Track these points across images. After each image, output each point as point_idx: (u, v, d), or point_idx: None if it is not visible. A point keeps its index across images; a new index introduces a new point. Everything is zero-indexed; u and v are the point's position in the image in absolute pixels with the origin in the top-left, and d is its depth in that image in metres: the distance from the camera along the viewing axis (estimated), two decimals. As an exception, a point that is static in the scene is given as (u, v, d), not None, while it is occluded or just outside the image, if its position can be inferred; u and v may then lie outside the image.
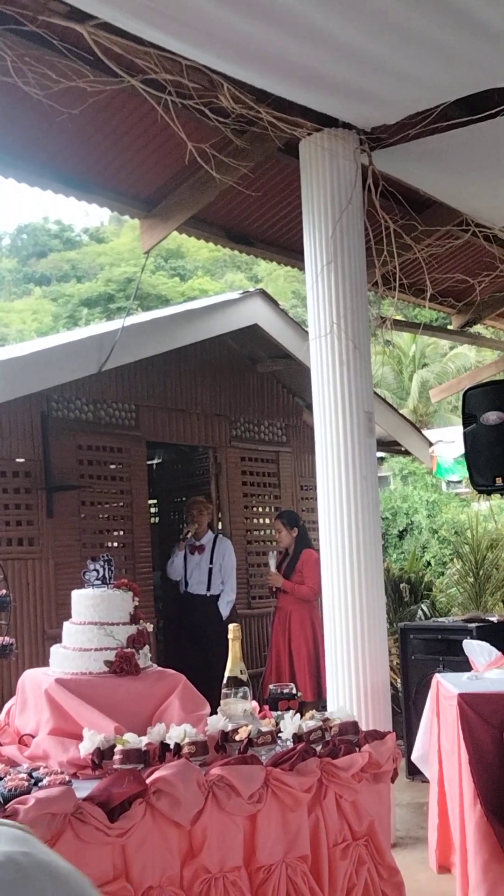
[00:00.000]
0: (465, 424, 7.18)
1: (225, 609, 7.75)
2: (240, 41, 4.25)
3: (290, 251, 7.49)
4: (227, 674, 3.51)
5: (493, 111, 4.95)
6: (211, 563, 7.80)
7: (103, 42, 4.35)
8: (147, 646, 3.63)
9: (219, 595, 7.78)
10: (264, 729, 3.29)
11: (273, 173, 6.35)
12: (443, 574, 11.91)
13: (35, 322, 35.28)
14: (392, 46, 4.36)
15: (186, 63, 4.57)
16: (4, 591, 4.39)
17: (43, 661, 3.80)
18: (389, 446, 10.00)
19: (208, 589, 7.77)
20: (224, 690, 3.50)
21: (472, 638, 5.59)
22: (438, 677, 4.85)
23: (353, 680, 5.11)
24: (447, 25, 4.18)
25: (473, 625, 6.36)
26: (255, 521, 8.98)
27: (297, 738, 3.31)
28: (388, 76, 4.67)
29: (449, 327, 10.27)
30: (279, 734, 3.36)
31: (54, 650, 3.60)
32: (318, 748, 3.31)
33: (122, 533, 7.55)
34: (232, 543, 8.13)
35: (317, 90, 4.84)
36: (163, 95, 4.73)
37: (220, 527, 8.51)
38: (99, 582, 3.63)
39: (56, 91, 4.61)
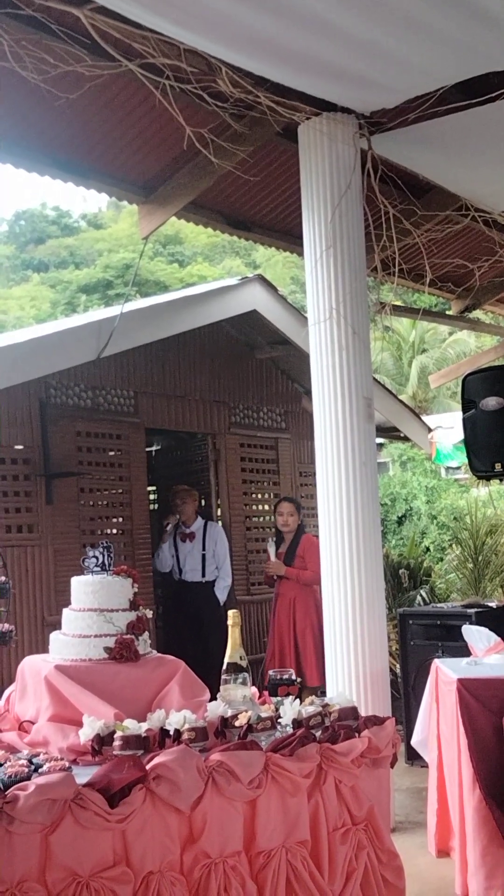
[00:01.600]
0: (464, 410, 7.17)
1: (221, 594, 7.76)
2: (237, 27, 4.22)
3: (288, 236, 7.47)
4: (226, 660, 3.52)
5: (493, 95, 4.93)
6: (203, 549, 7.80)
7: (100, 26, 4.32)
8: (146, 632, 3.64)
9: (214, 581, 7.79)
10: (264, 714, 3.30)
11: (272, 158, 6.33)
12: (442, 560, 11.93)
13: (33, 309, 35.22)
14: (390, 31, 4.33)
15: (185, 47, 4.54)
16: (4, 578, 4.39)
17: (42, 647, 3.80)
18: (388, 432, 9.99)
19: (203, 575, 7.77)
20: (224, 676, 3.50)
21: (471, 623, 5.60)
22: (437, 663, 4.86)
23: (352, 665, 5.11)
24: (446, 10, 4.15)
25: (472, 610, 6.37)
26: (254, 507, 8.98)
27: (297, 723, 3.32)
28: (386, 61, 4.64)
29: (448, 312, 10.26)
30: (279, 720, 3.36)
31: (54, 637, 3.60)
32: (318, 734, 3.31)
33: (121, 520, 7.55)
34: (231, 530, 8.13)
35: (315, 76, 4.81)
36: (161, 80, 4.70)
37: (219, 513, 8.50)
38: (98, 569, 3.64)
39: (54, 75, 4.59)
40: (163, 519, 8.14)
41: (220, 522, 8.39)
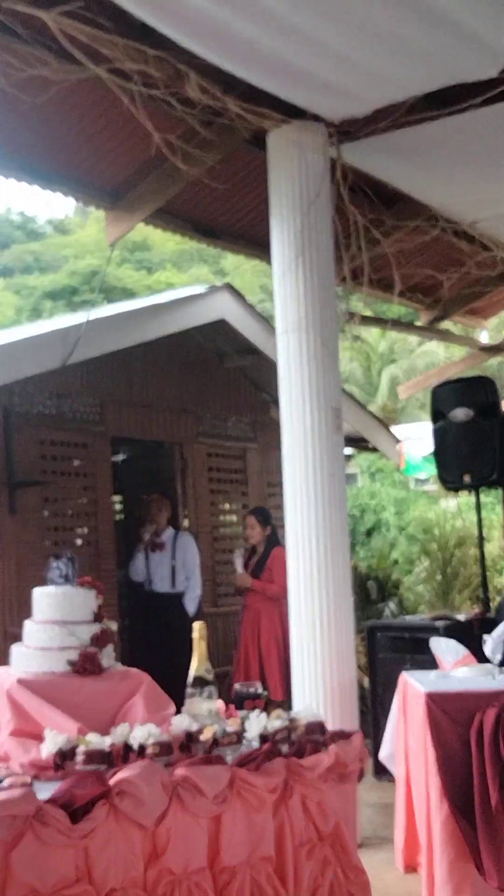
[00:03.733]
0: (433, 421, 7.20)
1: (191, 606, 7.69)
2: (214, 26, 4.19)
3: (257, 245, 7.44)
4: (192, 673, 3.48)
5: (462, 106, 4.95)
6: (173, 559, 7.74)
7: (68, 30, 4.28)
8: (111, 645, 3.58)
9: (184, 592, 7.72)
10: (229, 729, 3.27)
11: (240, 166, 6.30)
12: (410, 572, 11.95)
13: (-4, 315, 34.94)
14: (361, 41, 4.35)
15: (152, 53, 4.51)
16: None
17: (4, 660, 3.73)
18: (357, 443, 10.00)
19: (173, 586, 7.71)
20: (189, 690, 3.46)
21: (439, 636, 5.58)
22: (406, 676, 4.83)
23: (319, 679, 5.08)
24: (415, 21, 4.18)
25: (441, 623, 6.35)
26: (221, 517, 8.94)
27: (263, 737, 3.29)
28: (356, 70, 4.65)
29: (417, 323, 10.28)
30: (245, 734, 3.33)
31: (15, 649, 3.54)
32: (284, 748, 3.29)
33: (86, 530, 7.48)
34: (198, 540, 8.07)
35: (287, 80, 4.80)
36: (128, 85, 4.67)
37: (186, 524, 8.45)
38: (62, 580, 3.59)
39: (20, 79, 4.54)
40: (131, 529, 8.07)
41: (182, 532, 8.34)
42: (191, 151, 5.27)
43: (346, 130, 5.37)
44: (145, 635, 7.80)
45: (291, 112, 5.19)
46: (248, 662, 7.23)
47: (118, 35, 4.38)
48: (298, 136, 5.23)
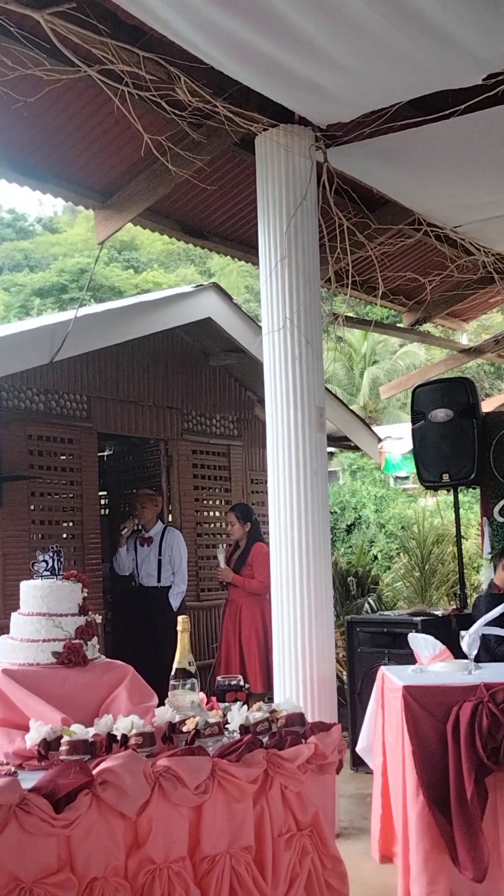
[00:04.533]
0: (413, 421, 7.29)
1: (175, 600, 7.75)
2: (209, 22, 4.21)
3: (244, 246, 7.51)
4: (175, 665, 3.53)
5: (447, 112, 5.00)
6: (160, 554, 7.80)
7: (60, 31, 4.32)
8: (95, 637, 3.63)
9: (169, 587, 7.78)
10: (211, 720, 3.31)
11: (229, 168, 6.36)
12: (389, 568, 12.05)
13: (-14, 311, 34.81)
14: (350, 45, 4.38)
15: (143, 55, 4.55)
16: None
17: (-10, 651, 3.78)
18: (339, 441, 10.07)
19: (158, 580, 7.77)
20: (172, 682, 3.51)
21: (417, 631, 5.66)
22: (384, 670, 4.90)
23: (299, 672, 5.15)
24: (403, 27, 4.20)
25: (419, 618, 6.44)
26: (205, 513, 9.00)
27: (244, 729, 3.34)
28: (344, 74, 4.69)
29: (399, 325, 10.37)
30: (226, 725, 3.38)
31: (1, 641, 3.59)
32: (265, 739, 3.33)
33: (71, 524, 7.52)
34: (182, 535, 8.13)
35: (276, 81, 4.83)
36: (119, 86, 4.71)
37: (170, 519, 8.50)
38: (48, 573, 3.63)
39: (11, 78, 4.58)
40: (119, 524, 8.12)
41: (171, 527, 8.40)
42: (180, 153, 5.32)
43: (333, 135, 5.42)
44: (129, 628, 7.86)
45: (279, 116, 5.25)
46: (229, 656, 7.30)
47: (110, 36, 4.42)
48: (286, 140, 5.29)
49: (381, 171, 5.95)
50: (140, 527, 7.93)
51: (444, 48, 4.42)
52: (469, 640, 4.89)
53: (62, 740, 3.00)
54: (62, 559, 3.68)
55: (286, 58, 4.53)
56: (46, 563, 3.64)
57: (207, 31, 4.32)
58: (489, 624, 5.05)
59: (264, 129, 5.29)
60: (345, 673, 6.96)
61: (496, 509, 7.17)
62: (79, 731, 3.05)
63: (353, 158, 5.61)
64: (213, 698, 3.73)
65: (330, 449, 10.20)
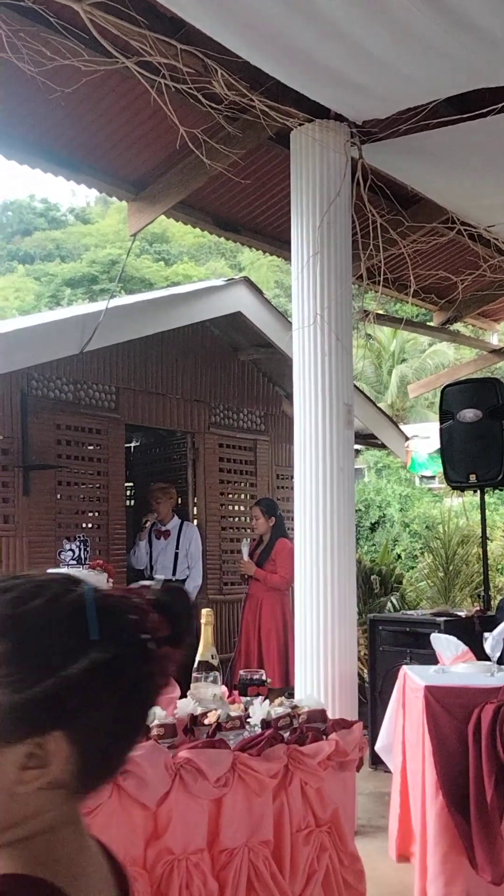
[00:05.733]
0: (441, 421, 7.25)
1: (191, 594, 7.76)
2: (244, 15, 4.22)
3: (276, 241, 7.50)
4: (197, 658, 3.53)
5: (484, 111, 4.98)
6: (177, 548, 7.81)
7: (99, 21, 4.33)
8: (119, 627, 3.63)
9: (185, 580, 7.80)
10: (233, 714, 3.31)
11: (263, 162, 6.35)
12: (413, 567, 12.01)
13: (17, 300, 35.03)
14: (387, 41, 4.37)
15: (181, 47, 4.56)
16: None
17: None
18: (366, 439, 10.05)
19: (174, 574, 7.78)
20: (194, 674, 3.52)
21: (439, 632, 5.64)
22: (406, 669, 4.89)
23: (321, 668, 5.15)
24: (443, 24, 4.19)
25: (442, 619, 6.41)
26: (230, 507, 9.01)
27: (266, 724, 3.34)
28: (382, 70, 4.68)
29: (430, 324, 10.32)
30: (248, 719, 3.38)
31: (27, 628, 3.60)
32: (286, 735, 3.33)
33: (97, 514, 7.55)
34: (206, 529, 8.14)
35: (312, 77, 4.83)
36: (156, 78, 4.72)
37: (195, 512, 8.52)
38: (74, 562, 3.65)
39: (50, 68, 4.60)
40: (141, 516, 8.14)
41: (195, 522, 8.41)
42: (215, 146, 5.33)
43: (368, 131, 5.41)
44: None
45: (315, 111, 5.24)
46: (248, 650, 7.31)
47: (148, 28, 4.43)
48: (321, 135, 5.28)
49: (415, 169, 5.93)
50: (157, 520, 7.94)
51: (484, 46, 4.41)
52: (492, 641, 4.87)
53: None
54: (89, 548, 3.70)
55: (324, 54, 4.52)
56: (73, 551, 3.66)
57: (243, 26, 4.32)
58: (513, 626, 5.02)
59: (300, 124, 5.28)
60: (366, 671, 6.95)
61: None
62: (101, 720, 3.05)
63: (389, 155, 5.59)
64: (235, 692, 3.74)
65: (356, 446, 10.18)
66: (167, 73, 4.71)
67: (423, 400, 23.92)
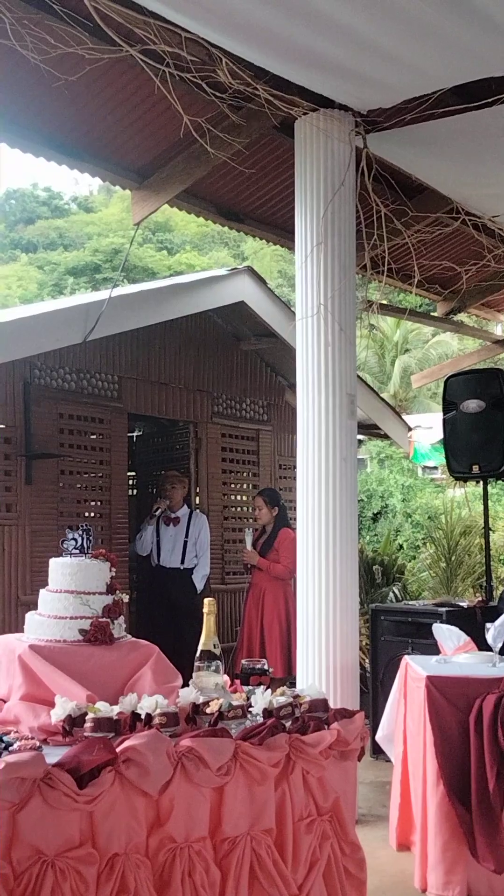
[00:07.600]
0: (444, 411, 7.25)
1: (199, 582, 7.79)
2: (239, 17, 4.22)
3: (280, 230, 7.49)
4: (200, 647, 3.53)
5: (490, 100, 4.96)
6: (186, 536, 7.83)
7: (103, 9, 4.31)
8: (122, 616, 3.65)
9: (193, 569, 7.81)
10: (235, 703, 3.32)
11: (267, 151, 6.34)
12: (415, 558, 12.01)
13: (20, 289, 35.03)
14: (392, 30, 4.35)
15: (186, 35, 4.54)
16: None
17: (16, 627, 3.82)
18: (368, 429, 10.04)
19: (182, 562, 7.79)
20: (197, 663, 3.52)
21: (441, 622, 5.65)
22: (407, 659, 4.91)
23: (323, 658, 5.16)
24: (448, 13, 4.18)
25: (443, 609, 6.42)
26: (232, 497, 9.01)
27: (268, 713, 3.34)
28: (386, 60, 4.66)
29: (433, 314, 10.31)
30: (250, 709, 3.39)
31: (29, 617, 3.61)
32: (288, 724, 3.34)
33: (99, 503, 7.56)
34: (209, 519, 8.15)
35: (314, 70, 4.82)
36: (161, 67, 4.69)
37: (197, 502, 8.53)
38: (77, 551, 3.65)
39: (54, 57, 4.58)
40: (147, 505, 8.15)
41: (197, 511, 8.42)
42: (219, 135, 5.31)
43: (373, 120, 5.39)
44: (152, 609, 7.90)
45: (319, 100, 5.22)
46: (250, 639, 7.33)
47: (152, 16, 4.41)
48: (326, 125, 5.27)
49: (420, 158, 5.91)
50: (167, 508, 7.95)
51: (490, 35, 4.39)
52: (494, 632, 4.88)
53: (87, 717, 3.02)
54: (91, 537, 3.70)
55: (326, 44, 4.51)
56: (76, 540, 3.66)
57: (239, 24, 4.31)
58: (515, 617, 5.03)
59: (304, 113, 5.26)
60: (367, 661, 6.96)
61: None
62: (103, 708, 3.07)
63: (393, 144, 5.57)
64: (237, 681, 3.75)
65: (358, 437, 10.18)
66: (171, 61, 4.69)
67: (426, 390, 23.89)
